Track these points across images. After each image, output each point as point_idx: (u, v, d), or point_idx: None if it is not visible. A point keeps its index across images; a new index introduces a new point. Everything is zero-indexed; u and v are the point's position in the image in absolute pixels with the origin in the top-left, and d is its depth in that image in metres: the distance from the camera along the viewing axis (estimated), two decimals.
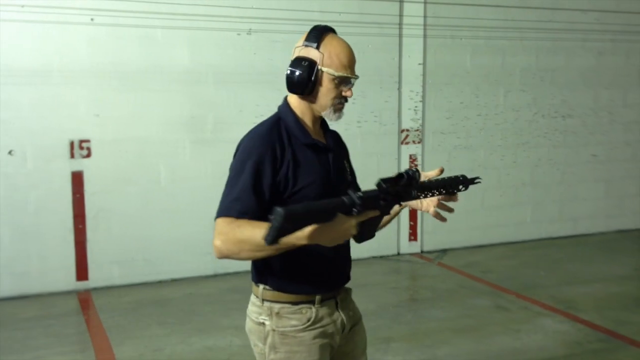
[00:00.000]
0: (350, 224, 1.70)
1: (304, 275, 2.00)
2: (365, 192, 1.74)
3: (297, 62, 1.97)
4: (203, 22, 5.61)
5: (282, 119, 2.03)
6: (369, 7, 6.17)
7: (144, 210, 5.63)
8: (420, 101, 6.56)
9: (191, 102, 5.71)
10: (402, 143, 6.49)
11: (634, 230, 7.78)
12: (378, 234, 2.11)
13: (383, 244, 6.40)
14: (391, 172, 1.92)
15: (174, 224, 5.70)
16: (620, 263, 6.43)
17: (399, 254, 6.61)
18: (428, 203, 2.07)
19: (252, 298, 2.10)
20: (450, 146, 6.72)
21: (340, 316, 2.08)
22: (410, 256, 6.60)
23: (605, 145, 7.56)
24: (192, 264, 5.80)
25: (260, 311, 2.04)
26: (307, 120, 2.04)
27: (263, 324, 2.03)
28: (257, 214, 1.84)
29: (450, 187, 1.98)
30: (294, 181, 1.93)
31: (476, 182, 2.06)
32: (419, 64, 6.51)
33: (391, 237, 6.52)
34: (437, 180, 1.96)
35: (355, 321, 2.17)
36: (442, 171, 2.03)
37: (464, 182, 2.02)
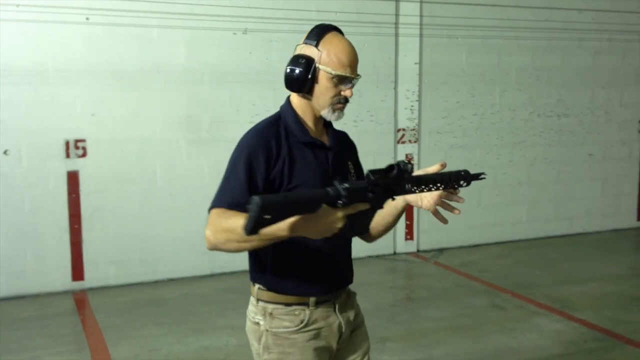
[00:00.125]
0: (336, 216, 1.65)
1: (297, 276, 1.98)
2: (352, 184, 1.67)
3: (295, 59, 1.96)
4: (199, 22, 5.60)
5: (282, 117, 2.02)
6: (366, 6, 6.17)
7: (140, 210, 5.62)
8: (417, 100, 6.56)
9: (187, 102, 5.70)
10: (398, 142, 6.49)
11: (630, 229, 7.79)
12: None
13: (379, 243, 6.32)
14: None
15: (170, 224, 5.70)
16: (616, 262, 6.44)
17: (395, 253, 6.62)
18: (429, 201, 1.92)
19: (251, 297, 2.09)
20: (447, 145, 6.73)
21: (337, 320, 2.05)
22: (407, 255, 6.60)
23: (601, 145, 7.57)
24: (188, 264, 5.79)
25: (256, 311, 2.04)
26: (308, 119, 2.02)
27: (258, 323, 2.03)
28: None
29: (449, 182, 1.86)
30: (289, 178, 1.92)
31: (480, 178, 1.93)
32: (415, 63, 6.51)
33: (387, 236, 6.46)
34: (435, 174, 1.84)
35: (356, 326, 2.13)
36: (443, 166, 1.90)
37: (466, 177, 1.89)
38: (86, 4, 5.27)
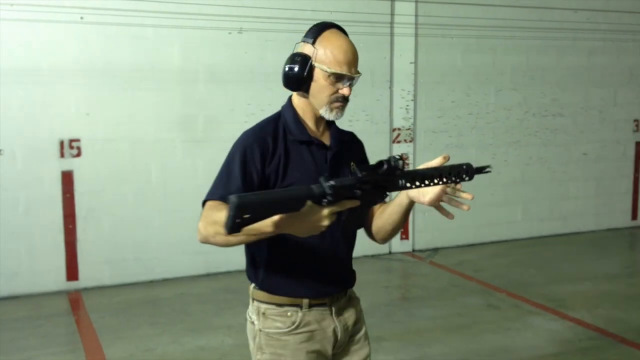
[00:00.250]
0: (322, 214, 1.59)
1: (290, 276, 1.95)
2: (339, 181, 1.61)
3: (292, 58, 1.94)
4: (194, 21, 5.59)
5: (282, 115, 2.01)
6: (361, 6, 6.17)
7: (134, 209, 5.60)
8: (412, 100, 6.56)
9: (182, 101, 5.69)
10: (393, 142, 6.49)
11: (624, 228, 7.82)
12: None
13: (374, 242, 6.40)
14: None
15: (165, 224, 5.69)
16: (611, 261, 6.47)
17: (390, 253, 6.62)
18: (431, 197, 1.79)
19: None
20: (442, 145, 6.73)
21: (333, 324, 2.01)
22: (402, 255, 6.61)
23: (595, 144, 7.59)
24: (183, 264, 5.78)
25: (252, 310, 2.03)
26: (308, 118, 2.00)
27: (253, 323, 2.02)
28: None
29: (450, 176, 1.75)
30: (283, 176, 1.91)
31: (485, 172, 1.82)
32: (411, 62, 6.52)
33: None
34: (432, 169, 1.74)
35: (355, 332, 2.09)
36: (446, 159, 1.78)
37: (468, 170, 1.78)
38: (80, 3, 5.25)
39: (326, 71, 1.89)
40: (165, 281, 5.71)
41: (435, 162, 1.77)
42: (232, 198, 1.45)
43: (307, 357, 1.96)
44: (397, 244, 6.65)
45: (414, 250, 6.73)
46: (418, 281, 5.87)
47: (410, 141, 6.59)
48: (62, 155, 5.34)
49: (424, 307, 5.07)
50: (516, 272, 6.01)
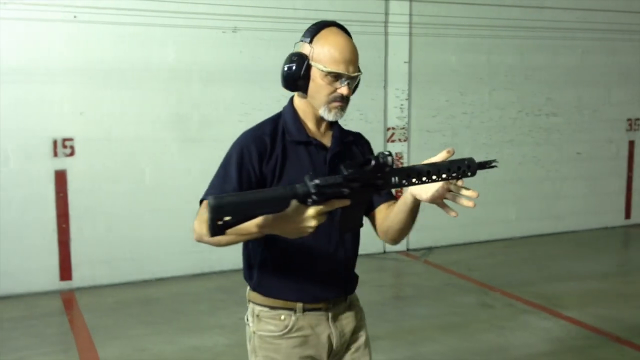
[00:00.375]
0: (308, 214, 1.53)
1: (285, 279, 1.92)
2: (324, 179, 1.54)
3: (289, 57, 1.90)
4: (188, 20, 5.58)
5: (282, 116, 1.98)
6: (355, 5, 6.17)
7: (128, 209, 5.59)
8: (406, 99, 6.57)
9: (176, 101, 5.68)
10: (388, 141, 6.50)
11: (618, 227, 7.85)
12: (368, 231, 2.03)
13: (369, 241, 6.31)
14: None
15: (159, 223, 5.67)
16: (604, 260, 6.48)
17: (384, 252, 6.62)
18: (433, 194, 1.71)
19: None
20: (437, 144, 6.73)
21: (328, 330, 1.96)
22: (396, 254, 6.61)
23: (589, 143, 7.61)
24: (177, 263, 5.77)
25: (248, 311, 2.01)
26: (309, 119, 1.95)
27: (248, 325, 2.00)
28: None
29: (449, 172, 1.66)
30: (280, 176, 1.88)
31: (490, 167, 1.72)
32: (405, 62, 6.52)
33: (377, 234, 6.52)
34: (431, 164, 1.65)
35: (354, 340, 2.03)
36: (450, 153, 1.69)
37: (470, 166, 1.68)
38: (74, 2, 5.23)
39: (322, 70, 1.85)
40: (159, 281, 5.70)
41: (439, 156, 1.69)
42: (210, 199, 1.41)
43: None
44: None
45: (408, 249, 6.73)
46: (412, 280, 5.88)
47: (405, 140, 6.60)
48: (55, 154, 5.32)
49: (418, 306, 5.08)
50: (510, 271, 6.02)
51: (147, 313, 4.91)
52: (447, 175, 1.66)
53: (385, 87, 6.47)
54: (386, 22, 6.41)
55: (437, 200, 1.72)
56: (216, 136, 5.67)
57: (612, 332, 4.47)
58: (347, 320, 2.01)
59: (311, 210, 1.53)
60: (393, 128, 6.52)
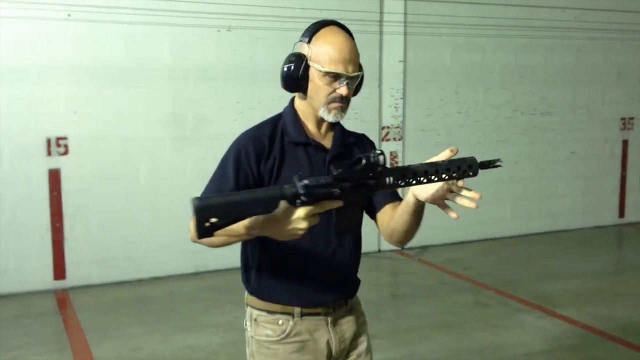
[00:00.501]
0: (299, 216, 1.50)
1: (283, 283, 1.88)
2: (314, 180, 1.49)
3: (288, 58, 1.86)
4: (183, 19, 5.56)
5: (283, 117, 1.94)
6: (350, 4, 6.17)
7: (123, 208, 5.57)
8: (401, 98, 6.57)
9: (171, 100, 5.66)
10: (383, 140, 6.50)
11: (612, 226, 7.87)
12: (363, 230, 1.96)
13: (364, 240, 6.37)
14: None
15: (154, 222, 5.66)
16: (599, 259, 6.50)
17: (379, 251, 6.62)
18: (433, 195, 1.65)
19: None
20: (431, 143, 6.74)
21: (327, 336, 1.91)
22: (391, 253, 6.61)
23: (583, 143, 7.63)
24: (172, 262, 5.76)
25: (246, 315, 1.98)
26: (310, 120, 1.92)
27: (247, 329, 1.97)
28: None
29: (448, 172, 1.59)
30: (277, 177, 1.84)
31: (494, 166, 1.66)
32: (400, 61, 6.52)
33: (372, 233, 6.51)
34: (429, 164, 1.59)
35: (354, 347, 1.99)
36: (454, 152, 1.62)
37: (472, 165, 1.62)
38: (68, 0, 5.21)
39: (320, 71, 1.81)
40: (153, 280, 5.68)
41: (443, 155, 1.63)
42: (193, 201, 1.38)
43: None
44: (386, 242, 6.63)
45: (403, 249, 6.74)
46: (407, 279, 5.88)
47: (400, 140, 6.60)
48: (49, 153, 5.30)
49: (413, 305, 5.08)
50: (505, 270, 6.03)
51: (141, 312, 4.89)
52: (447, 176, 1.60)
53: (380, 86, 6.47)
54: (381, 21, 6.40)
55: (438, 201, 1.67)
56: (212, 135, 5.66)
57: (606, 330, 4.48)
58: (348, 326, 1.97)
59: (301, 212, 1.50)
60: (388, 127, 6.52)
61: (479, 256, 6.58)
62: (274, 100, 5.90)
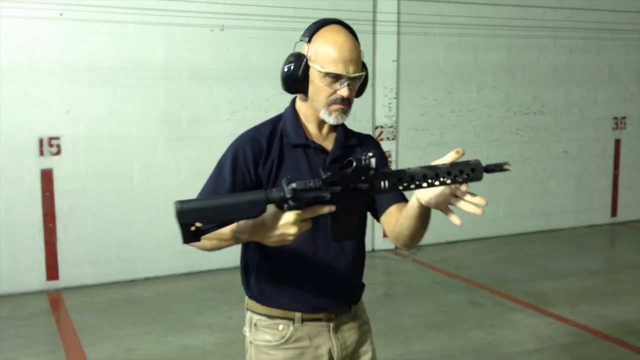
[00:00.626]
0: (288, 220, 1.46)
1: (282, 287, 1.84)
2: (302, 183, 1.45)
3: (288, 58, 1.81)
4: (176, 18, 5.55)
5: (283, 118, 1.89)
6: (343, 3, 6.17)
7: (116, 208, 5.55)
8: (395, 98, 6.57)
9: (165, 99, 5.65)
10: (376, 139, 6.49)
11: (604, 225, 7.91)
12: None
13: None
14: None
15: (147, 222, 5.64)
16: (591, 258, 6.53)
17: (373, 250, 6.62)
18: (436, 199, 1.58)
19: None
20: (424, 143, 6.75)
21: (328, 342, 1.87)
22: (385, 252, 6.61)
23: (576, 142, 7.66)
24: (165, 262, 5.74)
25: (246, 319, 1.94)
26: (311, 121, 1.87)
27: (246, 334, 1.93)
28: None
29: (449, 175, 1.51)
30: (275, 179, 1.80)
31: (501, 170, 1.58)
32: (393, 60, 6.53)
33: (366, 233, 6.52)
34: (428, 167, 1.51)
35: (358, 356, 1.95)
36: (459, 154, 1.54)
37: (475, 169, 1.53)
38: None
39: (320, 71, 1.75)
40: (147, 280, 5.67)
41: (448, 157, 1.55)
42: (175, 204, 1.33)
43: None
44: (380, 241, 6.65)
45: (397, 248, 6.74)
46: (401, 278, 5.89)
47: (393, 139, 6.60)
48: (41, 153, 5.27)
49: (407, 304, 5.08)
50: (499, 269, 6.05)
51: (135, 313, 4.88)
52: (448, 180, 1.52)
53: (373, 85, 6.47)
54: (374, 20, 6.41)
55: (441, 205, 1.60)
56: (205, 134, 5.64)
57: (599, 329, 4.50)
58: (350, 332, 1.93)
59: (289, 217, 1.46)
60: (381, 127, 6.53)
61: (472, 255, 6.59)
62: (267, 100, 5.92)
